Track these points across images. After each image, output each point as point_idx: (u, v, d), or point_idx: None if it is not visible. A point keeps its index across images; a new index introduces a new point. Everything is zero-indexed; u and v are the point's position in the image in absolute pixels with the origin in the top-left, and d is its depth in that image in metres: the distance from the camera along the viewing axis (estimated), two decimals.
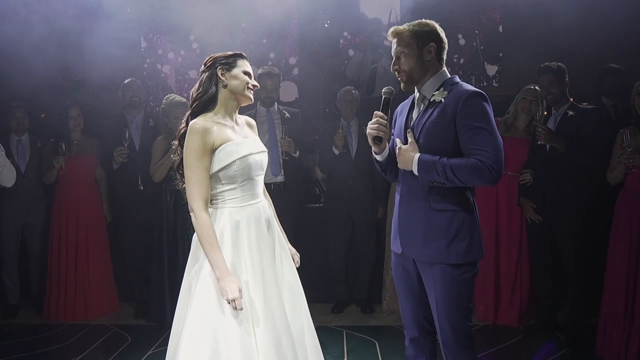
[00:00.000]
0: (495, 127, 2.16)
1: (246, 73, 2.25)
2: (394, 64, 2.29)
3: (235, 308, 2.03)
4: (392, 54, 2.29)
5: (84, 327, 4.12)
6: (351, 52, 5.65)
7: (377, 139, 2.27)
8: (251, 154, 2.23)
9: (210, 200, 2.20)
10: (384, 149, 2.34)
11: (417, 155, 2.20)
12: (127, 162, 4.11)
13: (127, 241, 4.34)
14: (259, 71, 4.22)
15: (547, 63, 3.60)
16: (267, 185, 4.03)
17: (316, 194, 4.90)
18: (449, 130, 2.17)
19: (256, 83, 2.30)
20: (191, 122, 2.17)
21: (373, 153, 2.39)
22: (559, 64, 3.57)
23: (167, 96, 4.04)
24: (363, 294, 4.41)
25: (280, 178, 4.20)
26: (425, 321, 2.38)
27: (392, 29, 2.28)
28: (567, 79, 3.58)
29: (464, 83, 2.25)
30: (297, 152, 4.21)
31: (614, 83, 4.21)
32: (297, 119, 4.36)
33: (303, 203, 4.57)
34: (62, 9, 4.19)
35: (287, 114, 4.27)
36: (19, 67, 4.16)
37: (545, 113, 3.87)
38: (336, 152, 4.25)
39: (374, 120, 2.26)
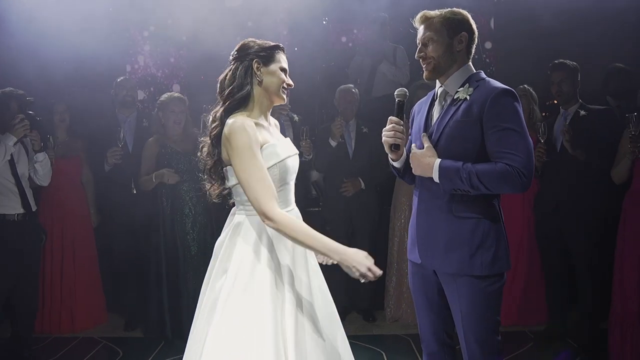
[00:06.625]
0: (526, 128, 2.00)
1: (283, 70, 2.01)
2: (419, 51, 2.11)
3: (369, 278, 1.86)
4: (418, 41, 2.11)
5: (71, 340, 3.89)
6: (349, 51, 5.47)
7: (395, 146, 2.11)
8: (289, 157, 1.99)
9: (246, 207, 1.96)
10: (402, 155, 2.18)
11: (438, 161, 2.02)
12: (120, 163, 3.91)
13: (118, 248, 4.12)
14: None
15: (562, 60, 3.51)
16: None
17: (313, 197, 4.72)
18: (475, 131, 2.00)
19: (291, 82, 2.05)
20: (231, 121, 1.88)
21: (390, 159, 2.23)
22: (574, 62, 3.50)
23: (167, 93, 3.94)
24: (365, 302, 4.26)
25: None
26: (445, 335, 2.24)
27: (420, 14, 2.10)
28: (579, 79, 3.51)
29: (491, 79, 2.09)
30: (311, 155, 4.03)
31: (619, 83, 4.16)
32: (301, 124, 4.23)
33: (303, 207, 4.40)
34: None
35: (296, 118, 4.15)
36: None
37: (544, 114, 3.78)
38: (333, 143, 4.06)
39: (388, 126, 2.09)
